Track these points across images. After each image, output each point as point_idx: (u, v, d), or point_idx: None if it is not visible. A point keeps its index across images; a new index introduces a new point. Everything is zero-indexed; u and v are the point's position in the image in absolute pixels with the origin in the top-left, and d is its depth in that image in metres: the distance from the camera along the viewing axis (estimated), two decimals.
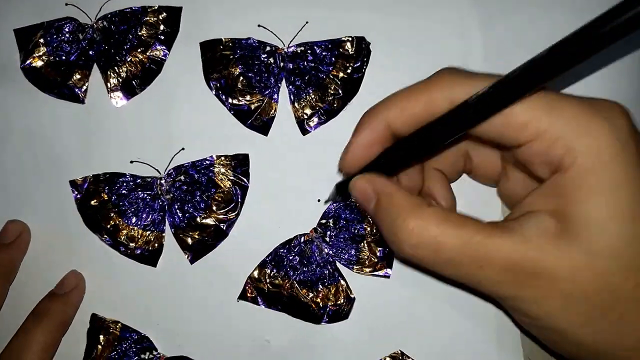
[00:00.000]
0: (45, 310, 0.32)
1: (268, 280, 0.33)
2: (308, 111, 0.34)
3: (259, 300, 0.33)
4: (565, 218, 0.22)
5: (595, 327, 0.23)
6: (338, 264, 0.33)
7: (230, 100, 0.34)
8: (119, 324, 0.33)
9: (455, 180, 0.31)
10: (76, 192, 0.34)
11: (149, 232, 0.34)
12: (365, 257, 0.33)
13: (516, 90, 0.21)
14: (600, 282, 0.22)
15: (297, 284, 0.33)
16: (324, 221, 0.34)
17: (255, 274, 0.33)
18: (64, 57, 0.35)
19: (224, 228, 0.34)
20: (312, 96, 0.34)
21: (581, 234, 0.22)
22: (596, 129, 0.21)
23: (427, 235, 0.23)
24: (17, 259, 0.34)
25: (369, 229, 0.33)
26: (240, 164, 0.34)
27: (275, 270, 0.33)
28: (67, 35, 0.35)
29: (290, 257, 0.33)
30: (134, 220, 0.34)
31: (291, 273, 0.33)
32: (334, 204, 0.33)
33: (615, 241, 0.21)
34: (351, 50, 0.34)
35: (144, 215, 0.34)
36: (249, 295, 0.33)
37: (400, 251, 0.24)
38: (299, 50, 0.35)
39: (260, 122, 0.35)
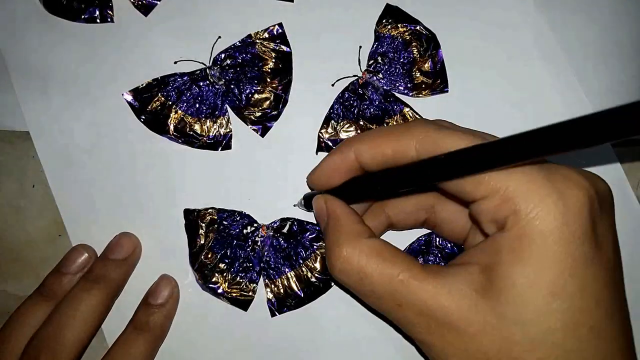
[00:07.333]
0: (143, 323, 0.33)
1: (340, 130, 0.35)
2: None
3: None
4: (492, 277, 0.22)
5: None
6: (397, 95, 0.35)
7: None
8: (214, 208, 0.34)
9: (407, 229, 0.33)
10: (134, 100, 0.35)
11: (214, 120, 0.35)
12: (420, 80, 0.35)
13: (492, 161, 0.21)
14: (502, 347, 0.22)
15: (366, 121, 0.35)
16: (371, 62, 0.35)
17: (324, 130, 0.35)
18: None
19: (283, 95, 0.35)
20: None
21: (500, 296, 0.22)
22: (544, 198, 0.21)
23: (355, 265, 0.25)
24: (128, 277, 0.34)
25: (415, 51, 0.35)
26: (277, 34, 0.36)
27: (342, 120, 0.35)
28: None
29: (352, 102, 0.35)
30: (197, 112, 0.35)
31: (357, 114, 0.35)
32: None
33: (528, 311, 0.21)
34: None
35: (204, 107, 0.35)
36: (323, 146, 0.35)
37: (331, 272, 0.26)
38: None
39: None
